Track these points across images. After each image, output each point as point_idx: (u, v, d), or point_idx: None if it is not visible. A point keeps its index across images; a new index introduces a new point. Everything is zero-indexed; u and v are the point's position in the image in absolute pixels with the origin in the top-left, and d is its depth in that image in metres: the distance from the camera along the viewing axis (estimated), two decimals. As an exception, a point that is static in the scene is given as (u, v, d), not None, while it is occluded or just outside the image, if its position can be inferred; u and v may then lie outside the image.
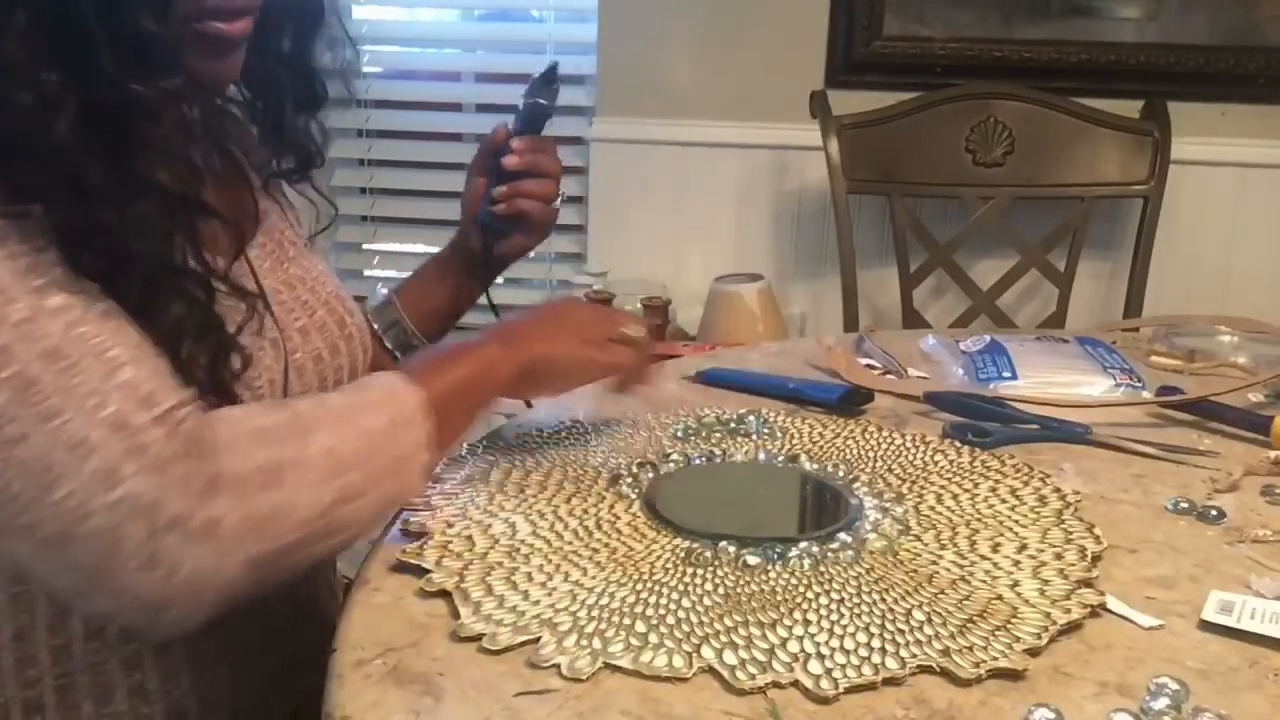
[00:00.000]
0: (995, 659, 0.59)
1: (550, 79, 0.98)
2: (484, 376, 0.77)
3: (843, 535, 0.73)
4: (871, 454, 0.88)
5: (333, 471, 0.64)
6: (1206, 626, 0.64)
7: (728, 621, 0.63)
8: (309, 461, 0.63)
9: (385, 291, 1.05)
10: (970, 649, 0.60)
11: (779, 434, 0.92)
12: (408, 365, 0.79)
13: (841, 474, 0.83)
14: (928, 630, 0.62)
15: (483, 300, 1.06)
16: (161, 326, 0.64)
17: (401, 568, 0.69)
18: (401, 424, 0.69)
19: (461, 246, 1.03)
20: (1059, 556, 0.71)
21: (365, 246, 2.43)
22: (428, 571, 0.68)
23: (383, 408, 0.69)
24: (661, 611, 0.64)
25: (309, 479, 0.63)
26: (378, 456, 0.67)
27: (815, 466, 0.85)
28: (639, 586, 0.67)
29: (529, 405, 0.99)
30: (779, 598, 0.66)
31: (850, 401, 0.99)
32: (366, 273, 2.45)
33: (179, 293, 0.66)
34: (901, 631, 0.62)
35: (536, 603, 0.65)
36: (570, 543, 0.72)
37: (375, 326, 1.01)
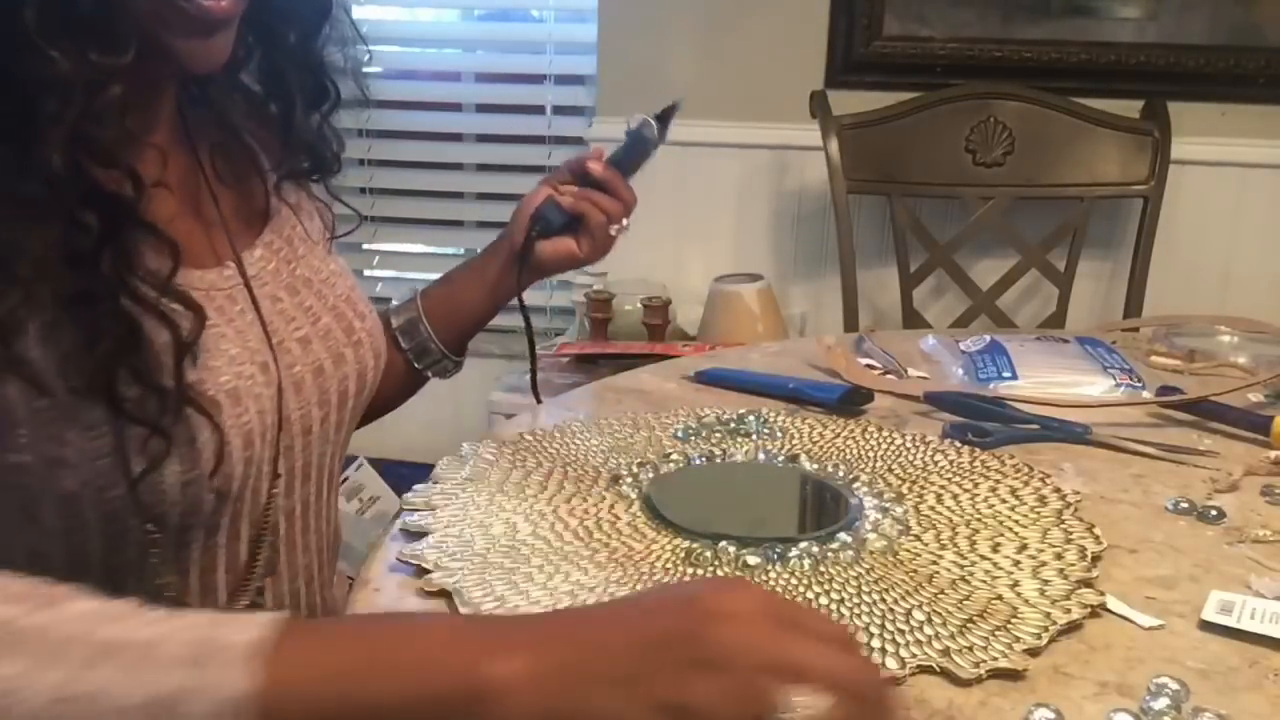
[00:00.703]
0: (995, 659, 0.59)
1: (666, 117, 1.09)
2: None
3: (843, 535, 0.73)
4: (871, 454, 0.88)
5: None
6: (1206, 626, 0.64)
7: (728, 621, 0.63)
8: None
9: (413, 290, 1.04)
10: (970, 649, 0.60)
11: (779, 434, 0.92)
12: (314, 641, 0.48)
13: (841, 474, 0.83)
14: (928, 630, 0.62)
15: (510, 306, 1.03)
16: (96, 343, 0.61)
17: (401, 568, 0.69)
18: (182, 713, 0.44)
19: (501, 248, 1.01)
20: (1059, 556, 0.71)
21: (365, 246, 2.43)
22: (428, 571, 0.68)
23: (175, 667, 0.44)
24: (661, 611, 0.64)
25: None
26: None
27: (815, 466, 0.85)
28: (639, 586, 0.66)
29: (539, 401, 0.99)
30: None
31: (850, 401, 0.99)
32: (366, 273, 2.45)
33: (110, 308, 0.62)
34: (901, 631, 0.62)
35: (536, 603, 0.65)
36: (570, 543, 0.72)
37: (392, 322, 0.99)
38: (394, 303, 1.01)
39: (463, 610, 0.64)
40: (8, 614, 0.46)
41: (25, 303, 0.60)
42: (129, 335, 0.63)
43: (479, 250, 1.04)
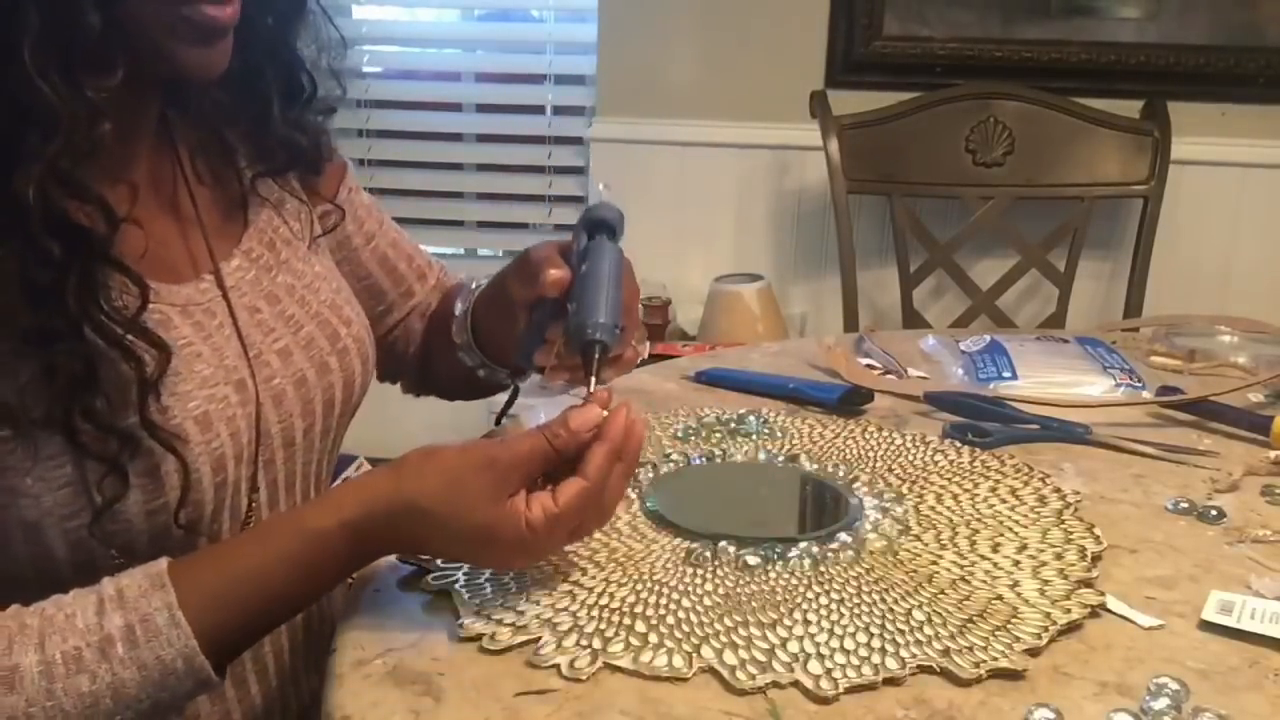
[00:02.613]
0: (995, 659, 0.59)
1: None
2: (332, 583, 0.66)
3: (843, 535, 0.73)
4: (871, 454, 0.88)
5: None
6: (1206, 626, 0.64)
7: (728, 621, 0.63)
8: None
9: (465, 308, 0.91)
10: (970, 649, 0.60)
11: (779, 434, 0.92)
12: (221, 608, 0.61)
13: (841, 474, 0.83)
14: (928, 630, 0.62)
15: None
16: (53, 380, 0.61)
17: (401, 568, 0.69)
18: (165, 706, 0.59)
19: (514, 310, 0.83)
20: (1059, 556, 0.71)
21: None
22: (428, 571, 0.68)
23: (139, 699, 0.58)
24: (661, 611, 0.64)
25: None
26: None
27: (815, 466, 0.85)
28: (639, 586, 0.67)
29: (503, 419, 0.93)
30: (779, 598, 0.66)
31: (850, 401, 0.99)
32: (366, 273, 2.45)
33: (69, 346, 0.61)
34: (901, 631, 0.62)
35: (536, 603, 0.65)
36: (570, 543, 0.72)
37: (456, 342, 0.90)
38: (457, 310, 0.91)
39: (462, 610, 0.64)
40: None
41: None
42: (86, 373, 0.62)
43: (479, 250, 1.00)
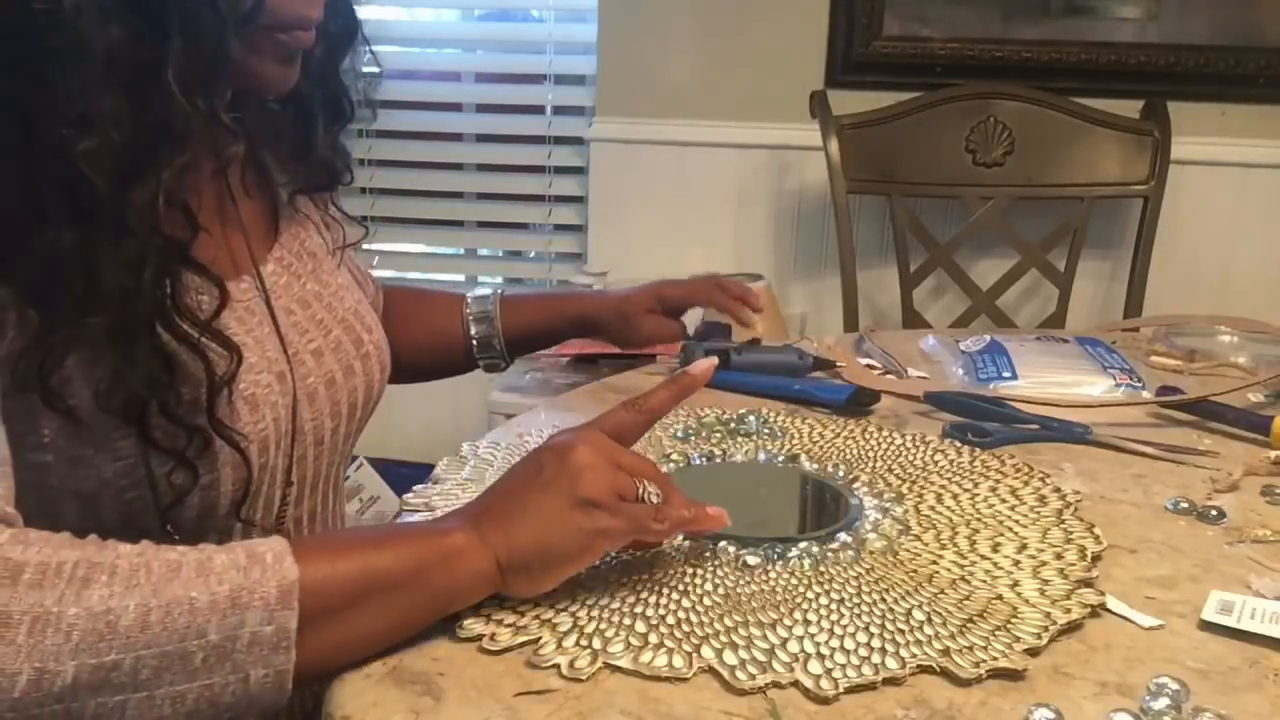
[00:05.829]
0: (995, 659, 0.59)
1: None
2: (431, 572, 0.60)
3: (843, 535, 0.73)
4: (871, 454, 0.88)
5: (97, 641, 0.51)
6: (1206, 626, 0.64)
7: (728, 621, 0.63)
8: (61, 620, 0.50)
9: (492, 290, 1.13)
10: (970, 649, 0.60)
11: (779, 434, 0.92)
12: (323, 541, 0.64)
13: (841, 474, 0.83)
14: (928, 630, 0.62)
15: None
16: (132, 376, 0.63)
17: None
18: (244, 603, 0.54)
19: (602, 325, 1.14)
20: (1059, 556, 0.71)
21: (365, 246, 2.42)
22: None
23: (225, 574, 0.54)
24: (661, 611, 0.64)
25: (49, 643, 0.50)
26: (187, 638, 0.52)
27: (815, 466, 0.85)
28: (639, 586, 0.67)
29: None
30: (779, 598, 0.66)
31: (857, 402, 0.99)
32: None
33: (149, 342, 0.64)
34: (901, 631, 0.62)
35: (536, 603, 0.65)
36: (570, 543, 0.72)
37: (470, 305, 1.09)
38: (474, 330, 1.10)
39: (463, 612, 0.64)
40: (76, 555, 0.53)
41: (72, 336, 0.61)
42: (164, 370, 0.64)
43: (502, 278, 1.09)
